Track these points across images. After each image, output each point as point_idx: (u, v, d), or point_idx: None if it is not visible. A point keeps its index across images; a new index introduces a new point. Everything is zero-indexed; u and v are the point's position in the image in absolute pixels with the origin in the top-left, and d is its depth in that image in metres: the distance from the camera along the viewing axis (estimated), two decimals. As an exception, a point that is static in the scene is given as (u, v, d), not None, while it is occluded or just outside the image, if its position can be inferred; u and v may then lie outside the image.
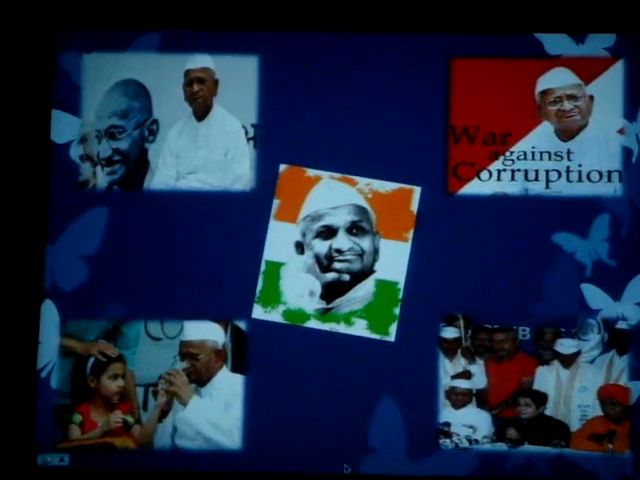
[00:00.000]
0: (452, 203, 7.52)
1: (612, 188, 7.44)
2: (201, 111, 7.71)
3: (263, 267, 7.54)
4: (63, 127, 7.54)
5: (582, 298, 7.27)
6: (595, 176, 7.47)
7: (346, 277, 7.51)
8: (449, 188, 7.59)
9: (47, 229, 7.46)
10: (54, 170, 7.58)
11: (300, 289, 7.55)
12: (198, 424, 7.30)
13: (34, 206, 7.45)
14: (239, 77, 7.56)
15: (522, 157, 7.51)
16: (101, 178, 7.65)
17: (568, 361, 7.29)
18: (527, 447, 7.23)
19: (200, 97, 7.67)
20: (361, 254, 7.52)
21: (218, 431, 7.29)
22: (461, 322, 7.35)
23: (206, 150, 7.63)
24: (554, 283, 7.34)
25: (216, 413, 7.33)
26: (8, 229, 7.41)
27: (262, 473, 6.83)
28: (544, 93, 7.57)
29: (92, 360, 7.43)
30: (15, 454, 7.20)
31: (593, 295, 7.26)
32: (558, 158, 7.49)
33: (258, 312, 7.41)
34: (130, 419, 7.41)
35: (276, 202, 7.66)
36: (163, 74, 7.58)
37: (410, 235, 7.52)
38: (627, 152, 7.46)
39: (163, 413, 7.38)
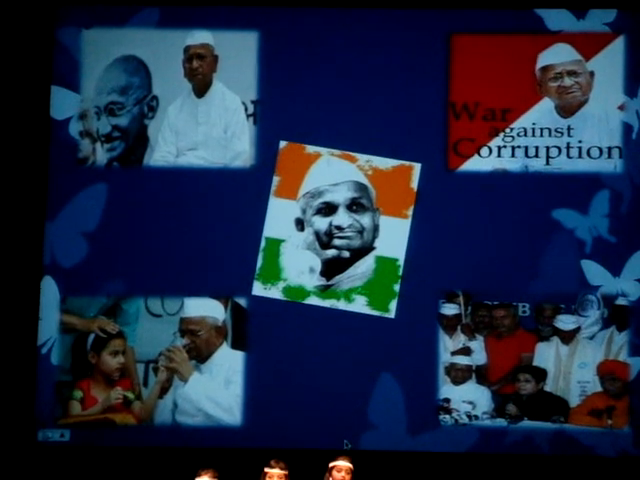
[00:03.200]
0: (452, 180, 7.50)
1: (612, 164, 7.43)
2: (201, 87, 7.68)
3: (263, 244, 7.53)
4: (63, 103, 7.50)
5: (582, 274, 7.27)
6: (595, 152, 7.46)
7: (346, 254, 7.52)
8: (449, 164, 7.57)
9: (47, 205, 7.46)
10: (54, 146, 7.54)
11: (300, 266, 7.55)
12: (198, 400, 7.31)
13: (34, 182, 7.42)
14: (239, 53, 7.51)
15: (522, 133, 7.49)
16: (101, 154, 7.63)
17: (568, 337, 7.30)
18: (526, 423, 7.26)
19: (200, 73, 7.64)
20: (361, 231, 7.52)
21: (218, 407, 7.30)
22: (461, 298, 7.36)
23: (206, 127, 7.61)
24: (554, 259, 7.34)
25: (216, 389, 7.33)
26: (8, 205, 7.39)
27: (262, 449, 6.83)
28: (544, 69, 7.55)
29: (92, 336, 7.44)
30: (16, 430, 7.19)
31: (593, 271, 7.26)
32: (558, 134, 7.47)
33: (258, 289, 7.41)
34: (130, 395, 7.42)
35: (276, 179, 7.65)
36: (162, 50, 7.54)
37: (410, 212, 7.50)
38: (627, 128, 7.44)
39: (163, 389, 7.38)
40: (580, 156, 7.34)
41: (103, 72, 7.49)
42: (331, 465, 5.99)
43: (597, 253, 7.23)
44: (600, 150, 7.33)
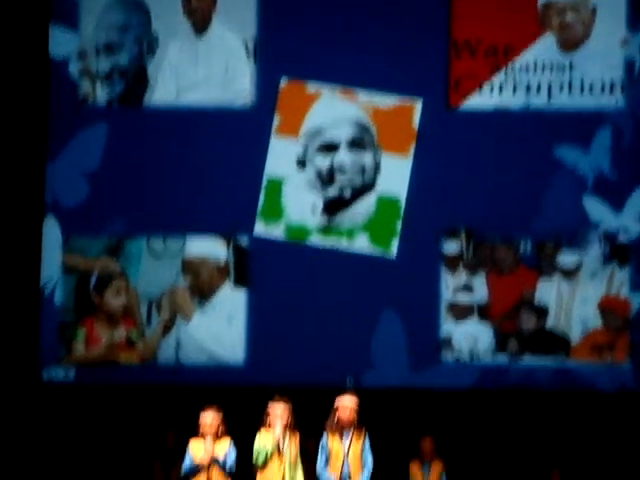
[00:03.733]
0: (453, 117, 7.47)
1: (614, 100, 7.39)
2: (200, 26, 7.63)
3: (265, 182, 7.53)
4: (62, 42, 7.45)
5: (583, 211, 7.29)
6: (597, 88, 7.41)
7: (348, 192, 7.51)
8: (450, 102, 7.56)
9: (47, 146, 7.45)
10: (53, 86, 7.50)
11: (302, 205, 7.54)
12: (201, 338, 7.35)
13: (34, 123, 7.40)
14: (238, -10, 7.50)
15: (524, 69, 7.46)
16: (101, 94, 7.59)
17: (569, 274, 7.32)
18: (528, 359, 7.29)
19: (199, 11, 7.61)
20: (362, 169, 7.51)
21: (221, 345, 7.34)
22: (463, 236, 7.36)
23: (206, 66, 7.57)
24: (556, 196, 7.32)
25: (219, 327, 7.36)
26: (8, 146, 7.37)
27: (265, 387, 6.85)
28: (547, 5, 7.48)
29: (95, 277, 7.48)
30: (21, 370, 7.25)
31: (594, 208, 7.25)
32: (560, 71, 7.43)
33: (260, 228, 7.42)
34: (134, 334, 7.47)
35: (277, 117, 7.63)
36: (161, -13, 7.54)
37: (411, 150, 7.50)
38: (630, 63, 7.40)
39: (166, 328, 7.44)
40: (582, 92, 7.30)
41: (102, 10, 7.45)
42: (337, 404, 5.97)
43: (599, 189, 7.21)
44: (602, 85, 7.28)
